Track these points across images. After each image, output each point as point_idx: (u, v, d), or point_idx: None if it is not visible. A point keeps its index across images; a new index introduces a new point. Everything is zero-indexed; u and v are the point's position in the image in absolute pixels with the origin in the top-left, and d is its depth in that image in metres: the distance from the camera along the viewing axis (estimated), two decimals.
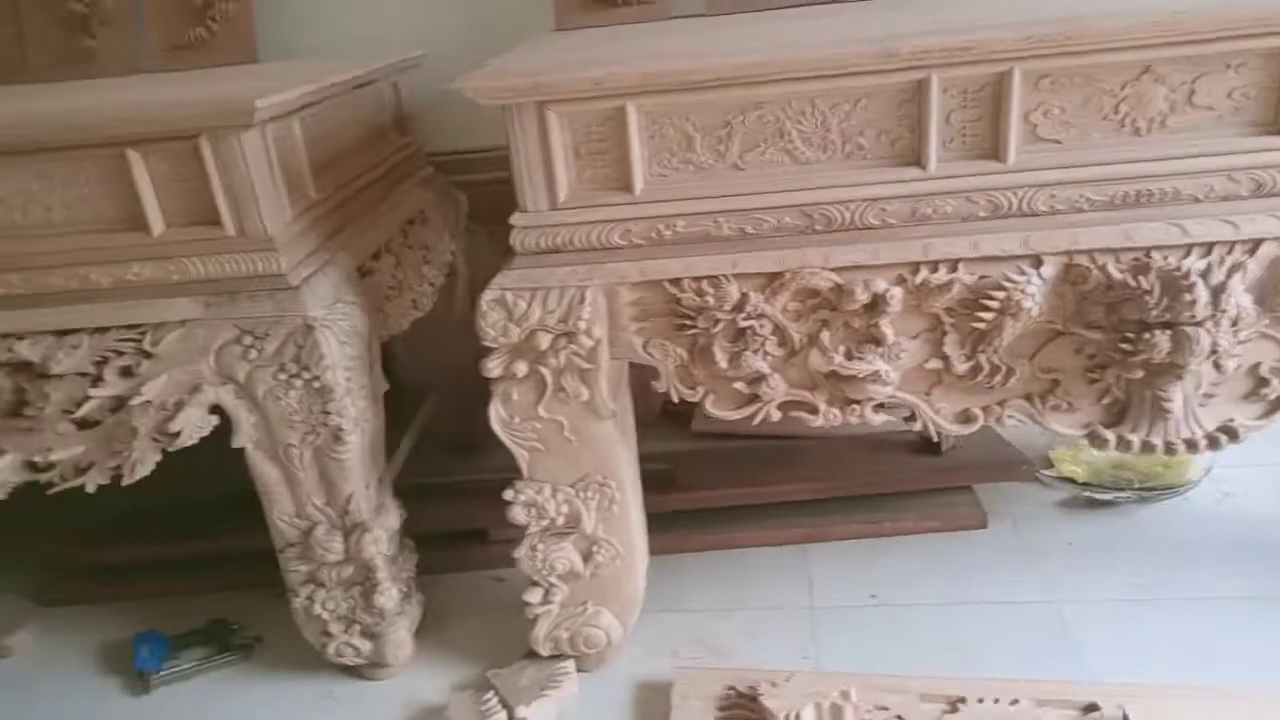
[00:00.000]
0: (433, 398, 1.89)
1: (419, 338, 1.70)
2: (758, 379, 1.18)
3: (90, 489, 1.30)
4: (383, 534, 1.37)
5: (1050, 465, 1.80)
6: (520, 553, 1.36)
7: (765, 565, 1.62)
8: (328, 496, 1.34)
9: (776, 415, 1.20)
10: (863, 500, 1.69)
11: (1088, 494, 1.72)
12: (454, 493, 1.81)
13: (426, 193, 1.80)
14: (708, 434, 2.04)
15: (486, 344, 1.23)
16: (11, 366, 1.26)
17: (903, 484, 1.70)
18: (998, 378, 1.14)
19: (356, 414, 1.30)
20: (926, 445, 1.76)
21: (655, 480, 1.60)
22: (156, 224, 1.22)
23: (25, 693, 1.55)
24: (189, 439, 1.27)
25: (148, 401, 1.24)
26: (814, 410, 1.20)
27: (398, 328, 1.49)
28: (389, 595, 1.40)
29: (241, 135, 1.18)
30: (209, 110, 1.16)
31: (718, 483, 1.69)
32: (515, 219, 1.20)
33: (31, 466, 1.29)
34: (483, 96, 1.13)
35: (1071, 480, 1.76)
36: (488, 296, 1.20)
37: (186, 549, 1.77)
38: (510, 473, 1.84)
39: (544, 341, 1.21)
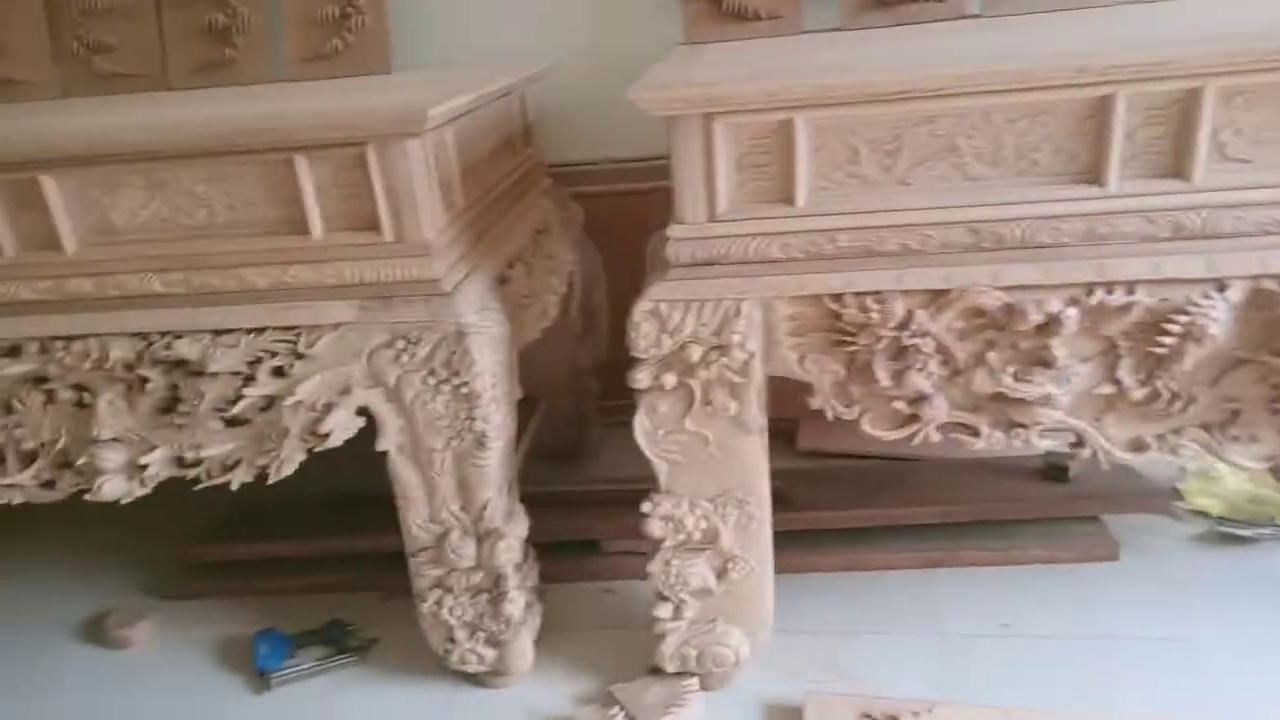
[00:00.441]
0: (543, 406, 1.89)
1: (526, 347, 1.71)
2: (919, 399, 1.15)
3: (234, 486, 1.32)
4: (515, 541, 1.37)
5: (1178, 497, 1.73)
6: (653, 566, 1.34)
7: (890, 589, 1.58)
8: (464, 502, 1.34)
9: (936, 437, 1.17)
10: (988, 526, 1.65)
11: (1224, 529, 1.66)
12: (563, 502, 1.81)
13: (548, 203, 1.81)
14: (814, 453, 2.02)
15: (636, 355, 1.22)
16: (167, 364, 1.29)
17: (1030, 511, 1.65)
18: (1176, 405, 1.11)
19: (499, 421, 1.30)
20: (1052, 472, 1.71)
21: (772, 498, 1.58)
22: (316, 228, 1.24)
23: (147, 685, 1.58)
24: (336, 440, 1.28)
25: (299, 402, 1.26)
26: (975, 433, 1.17)
27: (530, 336, 1.50)
28: (516, 603, 1.39)
29: (407, 143, 1.19)
30: (381, 118, 1.17)
31: (837, 503, 1.66)
32: (672, 230, 1.19)
33: (179, 462, 1.32)
34: (653, 107, 1.12)
35: (1205, 514, 1.69)
36: (642, 307, 1.20)
37: (297, 548, 1.79)
38: (621, 483, 1.88)
39: (695, 354, 1.19)
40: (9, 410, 1.32)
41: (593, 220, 1.99)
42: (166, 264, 1.28)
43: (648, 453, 1.27)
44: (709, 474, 1.27)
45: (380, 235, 1.24)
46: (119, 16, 1.91)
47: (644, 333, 1.20)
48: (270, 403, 1.28)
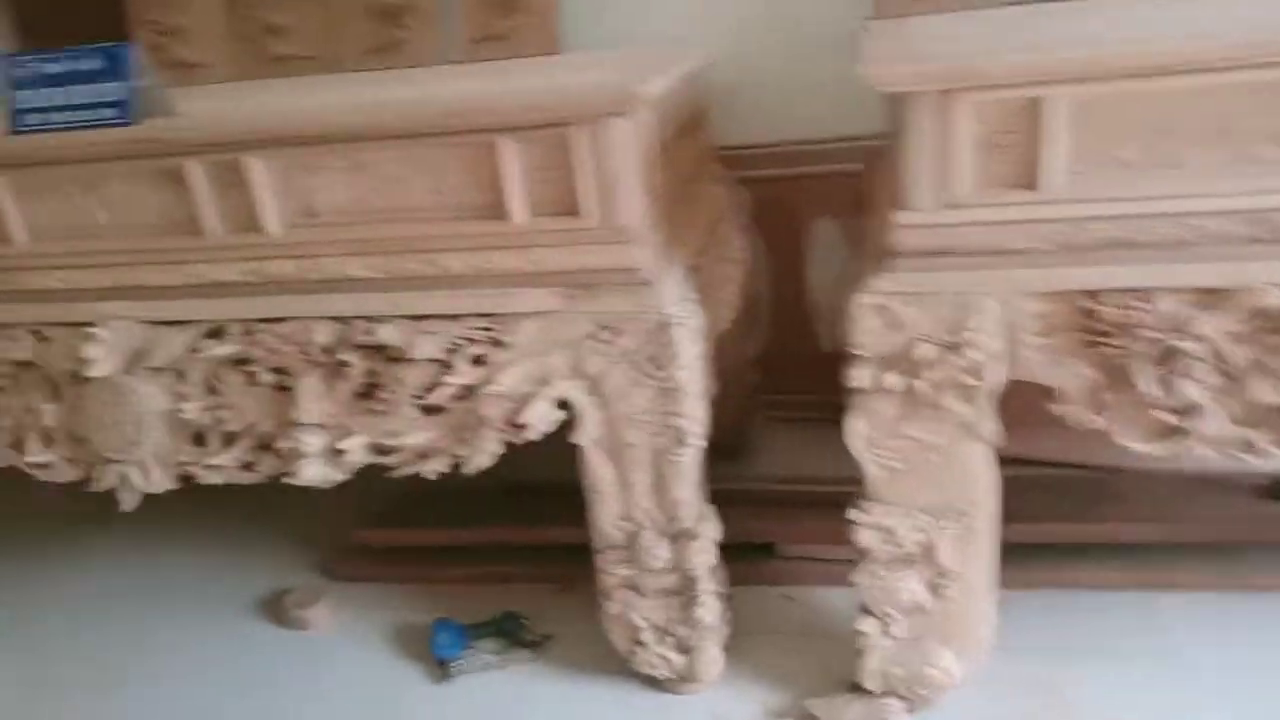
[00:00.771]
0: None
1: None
2: (1188, 409, 1.03)
3: (430, 475, 1.30)
4: (708, 543, 1.31)
5: None
6: (860, 578, 1.26)
7: (1108, 609, 1.45)
8: (658, 500, 1.29)
9: (1206, 450, 1.05)
10: (1211, 548, 1.49)
11: None
12: (733, 501, 1.73)
13: (721, 189, 1.73)
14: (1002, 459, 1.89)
15: (856, 352, 1.13)
16: (365, 349, 1.27)
17: (1260, 534, 1.49)
18: None
19: (699, 417, 1.23)
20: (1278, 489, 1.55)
21: None
22: (518, 213, 1.20)
23: (328, 667, 1.59)
24: (535, 433, 1.24)
25: (498, 392, 1.22)
26: (1250, 448, 1.04)
27: (721, 327, 1.43)
28: (709, 608, 1.33)
29: (617, 124, 1.13)
30: (592, 98, 1.12)
31: (1044, 515, 1.53)
32: (899, 217, 1.10)
33: (376, 449, 1.30)
34: (887, 82, 1.03)
35: None
36: (865, 300, 1.11)
37: (469, 536, 1.78)
38: (796, 483, 1.81)
39: (924, 353, 1.10)
40: (211, 391, 1.34)
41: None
42: (365, 248, 1.26)
43: (860, 457, 1.19)
44: (929, 483, 1.18)
45: (583, 221, 1.19)
46: None
47: (867, 328, 1.11)
48: (467, 391, 1.25)
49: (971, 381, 1.10)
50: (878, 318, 1.11)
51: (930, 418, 1.14)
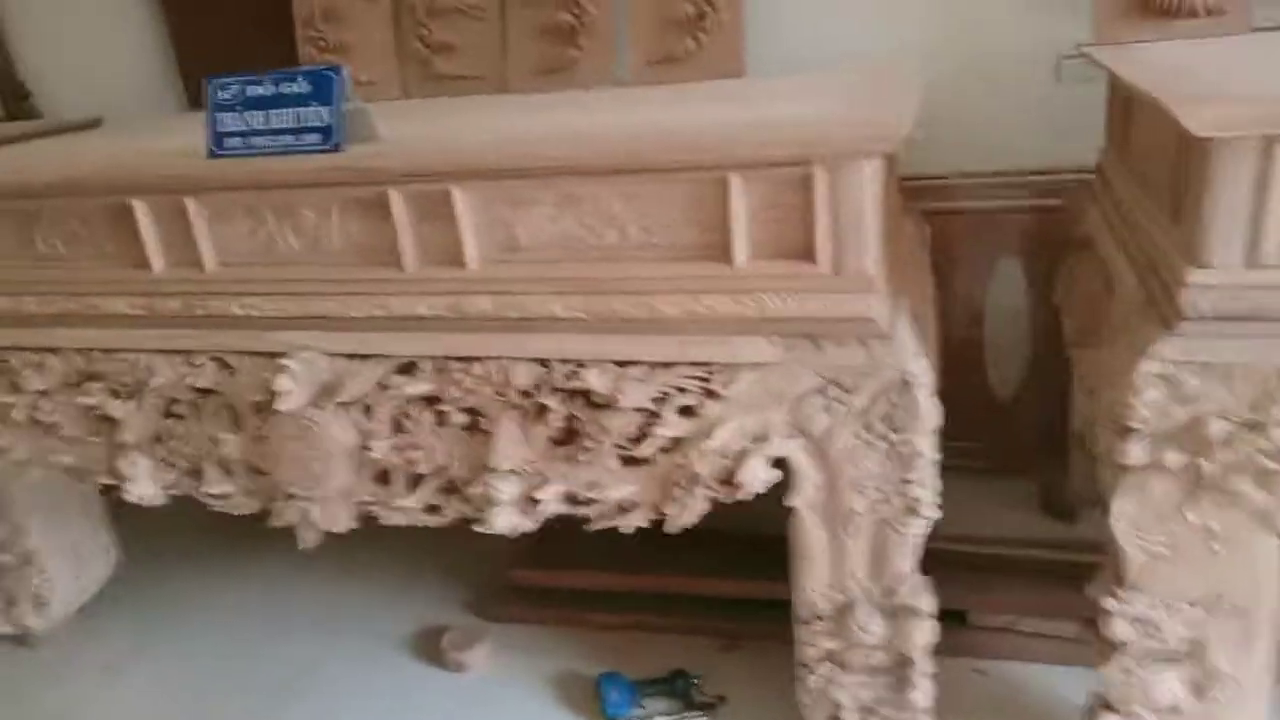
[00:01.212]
0: None
1: None
2: None
3: (626, 530, 1.21)
4: (929, 621, 1.19)
5: None
6: (1109, 671, 1.12)
7: None
8: (874, 571, 1.18)
9: None
10: None
11: None
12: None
13: (909, 223, 1.62)
14: None
15: (1132, 426, 1.00)
16: (566, 393, 1.20)
17: None
18: None
19: (935, 485, 1.12)
20: None
21: None
22: (740, 255, 1.11)
23: (486, 713, 1.52)
24: (748, 492, 1.14)
25: (711, 446, 1.13)
26: None
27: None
28: (924, 691, 1.22)
29: (864, 163, 1.03)
30: (841, 134, 1.02)
31: None
32: (1194, 275, 0.96)
33: (571, 499, 1.23)
34: (1202, 126, 0.90)
35: None
36: (1147, 369, 0.98)
37: (628, 582, 1.69)
38: (985, 545, 1.67)
39: (1217, 430, 0.97)
40: (399, 429, 1.28)
41: None
42: (570, 286, 1.18)
43: (1123, 541, 1.05)
44: (1204, 574, 1.04)
45: (815, 266, 1.09)
46: (463, 17, 1.88)
47: (1148, 400, 0.98)
48: (674, 444, 1.17)
49: (1273, 466, 0.96)
50: (1162, 388, 0.98)
51: (1216, 503, 1.00)
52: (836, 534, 1.17)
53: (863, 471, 1.11)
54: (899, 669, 1.21)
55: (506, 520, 1.23)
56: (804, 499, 1.15)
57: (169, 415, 1.41)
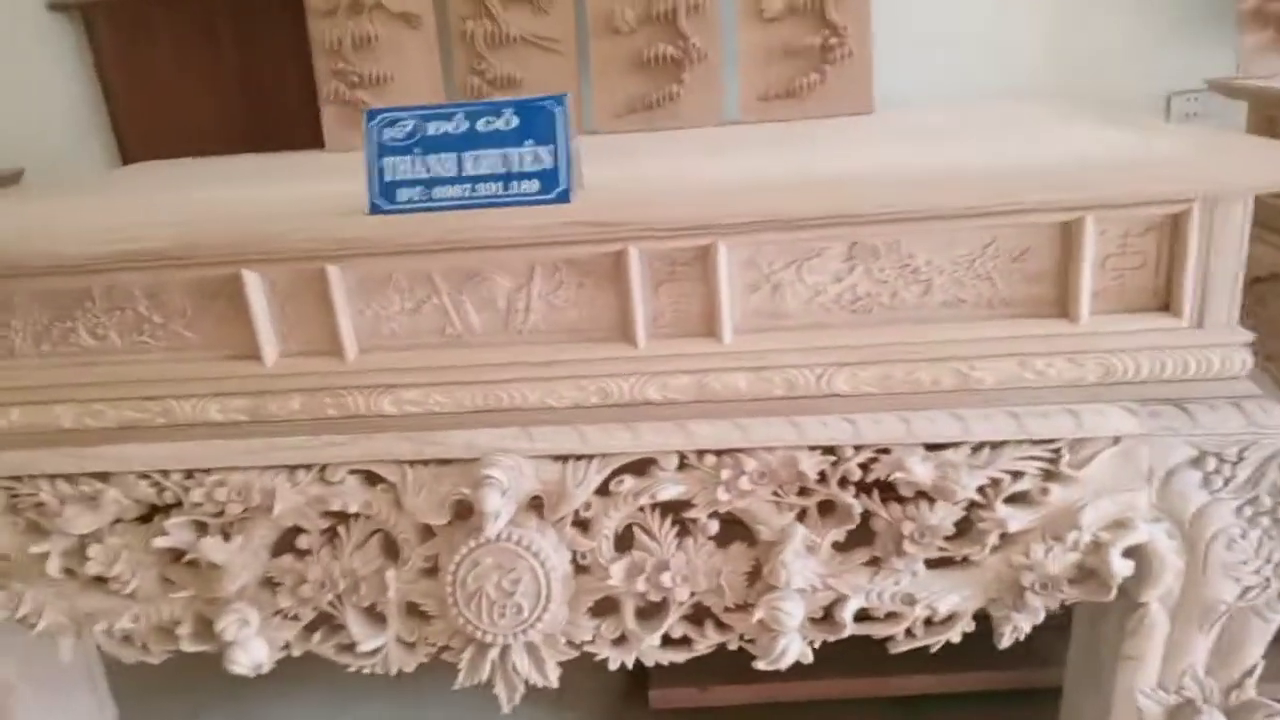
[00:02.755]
0: None
1: None
2: None
3: (951, 642, 1.00)
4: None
5: None
6: None
7: None
8: (1219, 667, 1.02)
9: None
10: None
11: None
12: None
13: None
14: None
15: None
16: (859, 487, 0.98)
17: None
18: None
19: None
20: None
21: None
22: (1083, 309, 0.94)
23: None
24: (1106, 592, 0.96)
25: (1071, 539, 0.94)
26: None
27: None
28: None
29: (1241, 204, 0.89)
30: (1235, 173, 0.88)
31: None
32: None
33: (865, 614, 1.00)
34: None
35: None
36: None
37: (793, 690, 1.46)
38: None
39: None
40: (625, 546, 1.01)
41: None
42: (853, 355, 0.98)
43: None
44: None
45: (1174, 319, 0.93)
46: (533, 48, 1.64)
47: None
48: (1002, 539, 0.97)
49: None
50: None
51: None
52: (1184, 627, 1.00)
53: (1237, 554, 0.96)
54: None
55: (797, 650, 0.99)
56: (1158, 592, 0.98)
57: (282, 551, 1.07)
